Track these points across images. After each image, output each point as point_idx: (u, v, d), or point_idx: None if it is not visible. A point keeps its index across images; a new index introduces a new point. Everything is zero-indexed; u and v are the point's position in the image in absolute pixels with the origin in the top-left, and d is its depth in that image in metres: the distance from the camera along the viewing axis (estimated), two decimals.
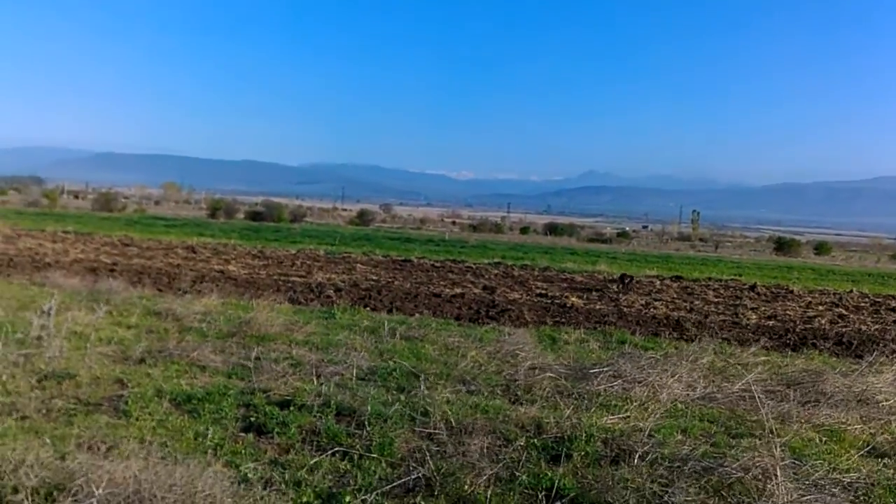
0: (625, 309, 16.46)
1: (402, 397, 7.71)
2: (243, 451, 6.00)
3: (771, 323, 15.59)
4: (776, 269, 36.35)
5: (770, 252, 60.71)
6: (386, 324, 11.80)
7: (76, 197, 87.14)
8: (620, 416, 7.32)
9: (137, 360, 8.79)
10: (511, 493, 5.45)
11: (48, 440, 5.77)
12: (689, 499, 5.26)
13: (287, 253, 26.04)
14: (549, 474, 5.71)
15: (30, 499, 4.68)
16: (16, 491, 4.75)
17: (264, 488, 5.26)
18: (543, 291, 18.76)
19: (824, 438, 6.93)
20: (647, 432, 6.46)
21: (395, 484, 5.48)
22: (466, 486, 5.42)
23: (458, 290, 17.96)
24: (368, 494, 5.25)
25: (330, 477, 5.62)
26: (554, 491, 5.47)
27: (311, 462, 5.81)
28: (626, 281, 21.44)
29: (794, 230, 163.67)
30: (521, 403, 7.80)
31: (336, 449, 6.11)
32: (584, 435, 6.57)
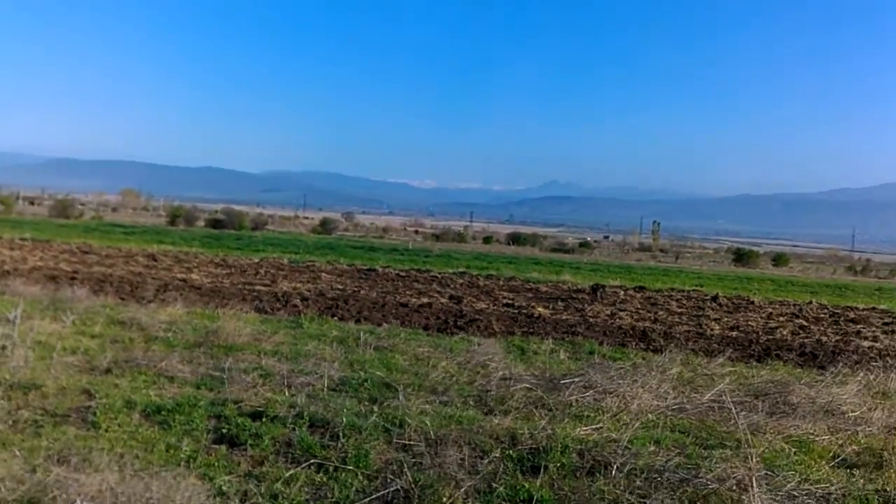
0: (591, 319, 16.58)
1: (376, 408, 7.65)
2: (217, 464, 5.89)
3: (734, 334, 15.82)
4: (736, 279, 36.96)
5: (729, 263, 61.67)
6: (361, 334, 11.74)
7: (32, 203, 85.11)
8: (594, 426, 7.35)
9: (104, 371, 8.61)
10: None
11: (17, 452, 5.62)
12: None
13: (250, 261, 25.75)
14: (527, 486, 5.72)
15: None
16: None
17: (241, 501, 5.19)
18: (510, 301, 18.83)
19: (794, 449, 7.02)
20: (623, 444, 6.50)
21: (373, 496, 5.44)
22: (445, 499, 5.39)
23: (425, 300, 17.93)
24: None
25: (306, 489, 5.55)
26: (532, 503, 5.49)
27: (287, 474, 5.74)
28: (598, 291, 21.64)
29: (753, 241, 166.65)
30: (495, 414, 7.79)
31: (311, 461, 6.04)
32: (559, 446, 6.59)
